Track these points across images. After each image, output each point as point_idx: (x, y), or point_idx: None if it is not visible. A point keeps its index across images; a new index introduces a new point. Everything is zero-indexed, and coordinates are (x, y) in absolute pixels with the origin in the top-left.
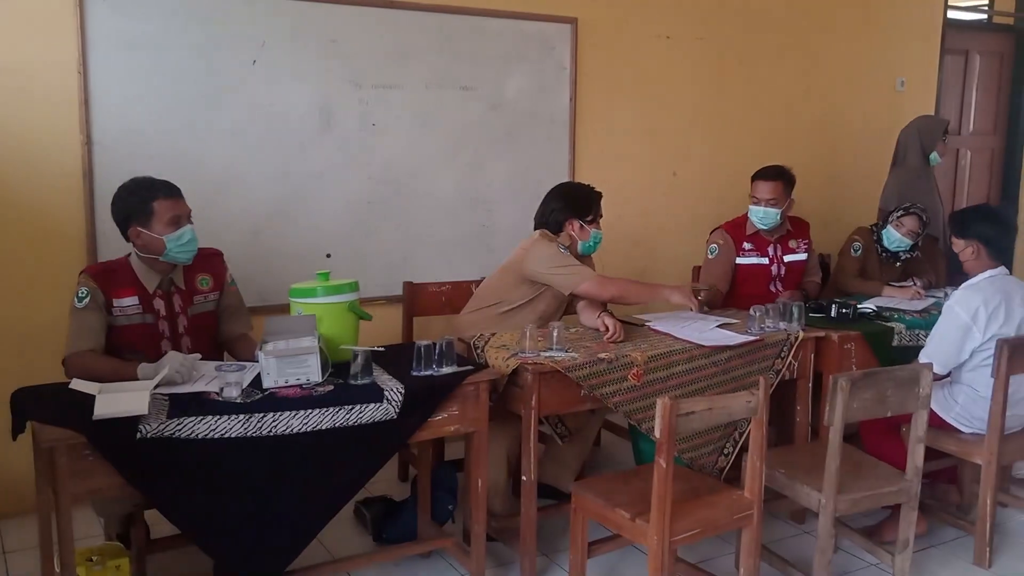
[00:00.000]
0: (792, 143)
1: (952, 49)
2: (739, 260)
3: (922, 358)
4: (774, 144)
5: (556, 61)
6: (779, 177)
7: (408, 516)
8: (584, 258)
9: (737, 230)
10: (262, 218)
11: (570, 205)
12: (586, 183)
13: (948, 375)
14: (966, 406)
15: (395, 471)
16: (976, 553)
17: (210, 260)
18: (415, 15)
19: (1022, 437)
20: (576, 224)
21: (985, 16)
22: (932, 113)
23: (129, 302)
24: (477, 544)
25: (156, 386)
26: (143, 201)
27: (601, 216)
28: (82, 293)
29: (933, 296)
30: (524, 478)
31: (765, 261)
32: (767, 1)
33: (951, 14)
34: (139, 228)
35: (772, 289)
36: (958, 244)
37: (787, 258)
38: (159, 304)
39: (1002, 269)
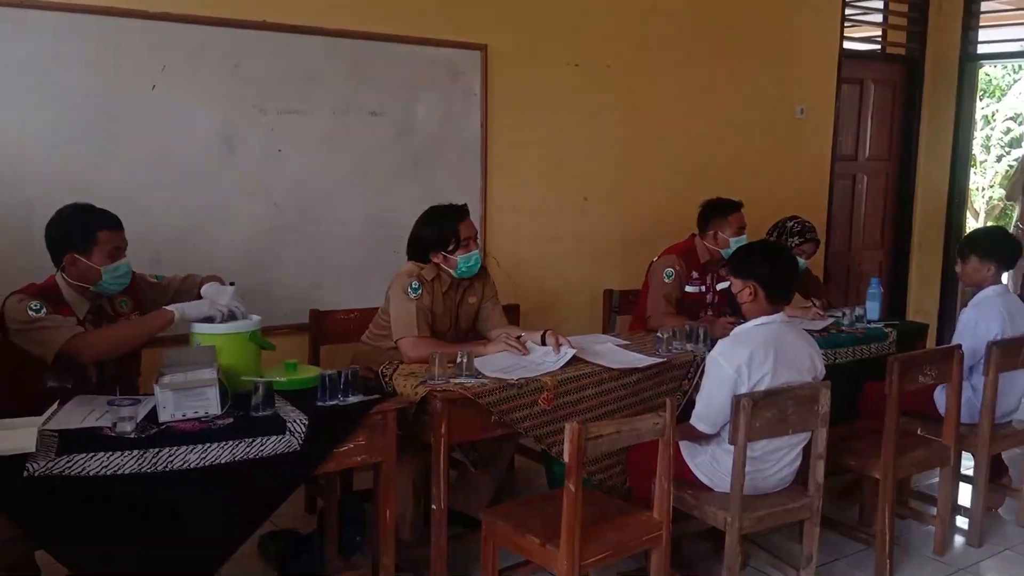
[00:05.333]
0: (697, 169)
1: (848, 78)
2: (687, 288)
3: (693, 420)
4: (681, 169)
5: (466, 87)
6: None
7: (315, 550)
8: (473, 279)
9: (688, 257)
10: (162, 246)
11: (424, 239)
12: (448, 205)
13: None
14: (719, 459)
15: (302, 503)
16: (877, 566)
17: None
18: (321, 40)
19: (917, 452)
20: (440, 256)
21: (879, 47)
22: (830, 139)
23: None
24: None
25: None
26: (87, 230)
27: (472, 237)
28: (35, 305)
29: (832, 316)
30: (434, 507)
31: (703, 290)
32: (672, 30)
33: (847, 44)
34: (76, 256)
35: (701, 316)
36: (736, 284)
37: (718, 286)
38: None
39: (777, 316)
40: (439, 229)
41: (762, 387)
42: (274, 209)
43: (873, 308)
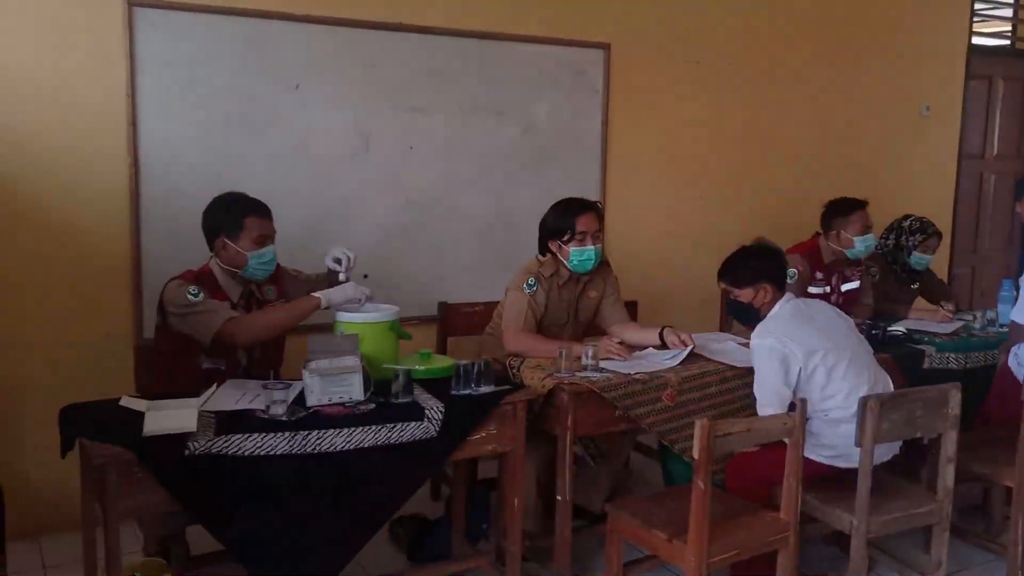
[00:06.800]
0: (819, 167)
1: (976, 75)
2: (810, 288)
3: (760, 410)
4: (802, 168)
5: (588, 85)
6: None
7: (443, 535)
8: (595, 273)
9: (812, 258)
10: (300, 239)
11: (545, 227)
12: (577, 198)
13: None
14: (822, 435)
15: (427, 490)
16: None
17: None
18: (452, 40)
19: None
20: (556, 244)
21: (1009, 42)
22: (957, 137)
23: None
24: (513, 563)
25: (203, 402)
26: (236, 215)
27: (589, 232)
28: (194, 290)
29: (962, 319)
30: (559, 498)
31: (828, 290)
32: (795, 27)
33: (975, 40)
34: (226, 240)
35: None
36: (746, 294)
37: (844, 286)
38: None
39: (788, 295)
40: (558, 218)
41: (817, 358)
42: (404, 204)
43: (1005, 311)
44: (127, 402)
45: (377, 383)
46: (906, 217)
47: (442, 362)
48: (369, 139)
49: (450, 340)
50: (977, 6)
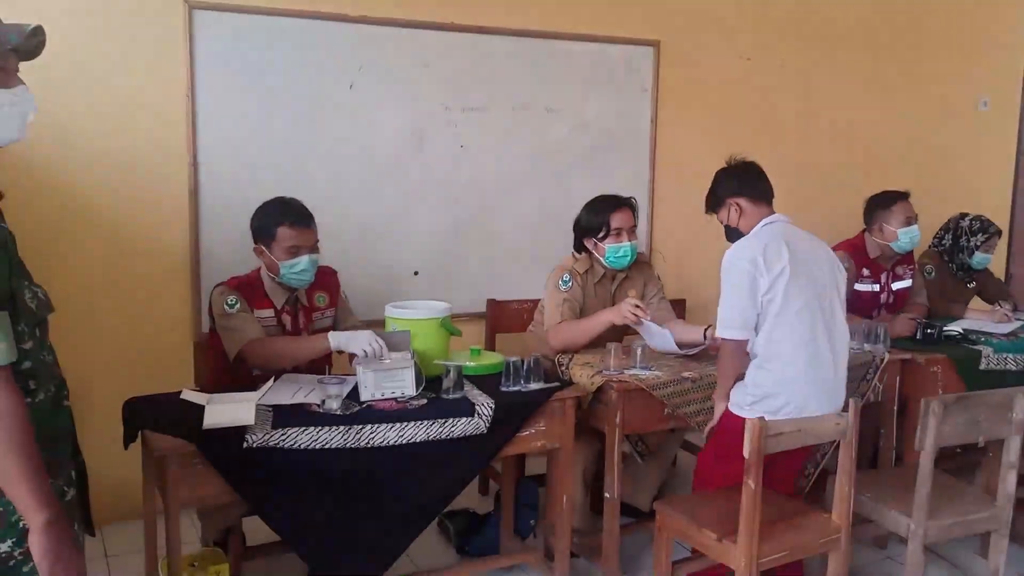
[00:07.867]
0: (874, 163)
1: None
2: (856, 286)
3: (720, 331)
4: (855, 164)
5: (638, 83)
6: None
7: (491, 530)
8: (633, 272)
9: (858, 254)
10: (354, 236)
11: (580, 225)
12: (610, 195)
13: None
14: (762, 384)
15: (476, 485)
16: None
17: (325, 278)
18: (504, 39)
19: None
20: (591, 242)
21: None
22: (1015, 133)
23: (267, 314)
24: (561, 560)
25: (260, 396)
26: (270, 224)
27: (624, 228)
28: (231, 300)
29: (1020, 319)
30: (607, 495)
31: (877, 288)
32: (847, 23)
33: None
34: (262, 247)
35: (874, 315)
36: (723, 216)
37: (895, 285)
38: (286, 319)
39: (779, 216)
40: (592, 216)
41: (781, 284)
42: (456, 202)
43: None
44: (188, 395)
45: (428, 379)
46: (964, 216)
47: (492, 358)
48: (422, 138)
49: (498, 336)
50: None
